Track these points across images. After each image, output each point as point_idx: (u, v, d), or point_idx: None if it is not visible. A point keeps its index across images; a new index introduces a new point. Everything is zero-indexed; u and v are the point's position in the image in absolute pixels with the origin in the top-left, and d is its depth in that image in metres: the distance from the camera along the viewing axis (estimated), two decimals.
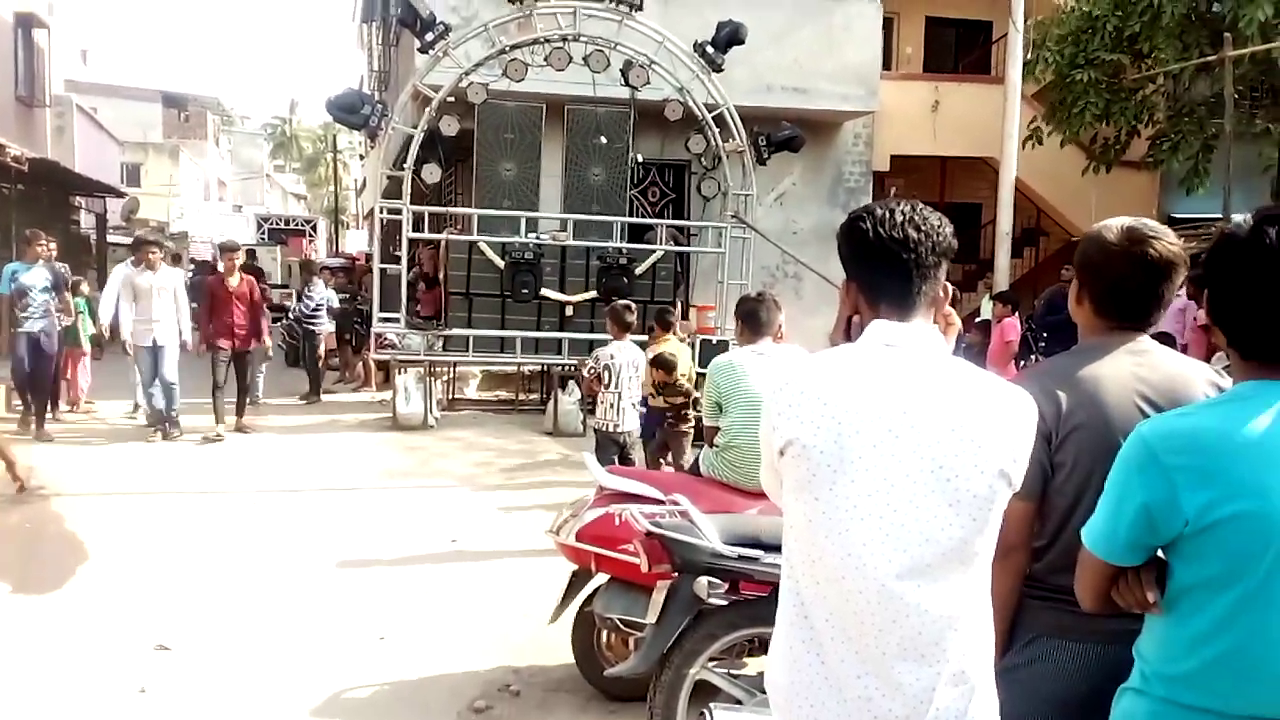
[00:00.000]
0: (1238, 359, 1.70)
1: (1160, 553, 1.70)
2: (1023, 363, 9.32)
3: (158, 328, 9.15)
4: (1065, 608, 1.94)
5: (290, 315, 14.26)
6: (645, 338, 7.77)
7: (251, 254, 17.86)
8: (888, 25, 15.61)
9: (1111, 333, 2.10)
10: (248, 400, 10.15)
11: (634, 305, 7.60)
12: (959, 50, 18.33)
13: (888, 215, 1.73)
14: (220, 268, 10.26)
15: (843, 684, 1.63)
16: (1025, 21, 13.60)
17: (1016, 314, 10.02)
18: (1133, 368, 2.04)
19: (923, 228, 1.71)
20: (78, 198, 22.44)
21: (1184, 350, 7.57)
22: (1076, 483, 1.99)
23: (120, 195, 24.77)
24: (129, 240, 16.15)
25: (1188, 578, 1.65)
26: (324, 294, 13.15)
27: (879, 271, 1.73)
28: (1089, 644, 1.99)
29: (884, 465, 1.60)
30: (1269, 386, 1.63)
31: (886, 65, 15.63)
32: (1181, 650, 1.66)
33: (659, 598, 3.26)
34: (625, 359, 6.92)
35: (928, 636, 1.60)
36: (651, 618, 3.27)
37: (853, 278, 1.79)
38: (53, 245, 9.62)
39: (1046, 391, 1.99)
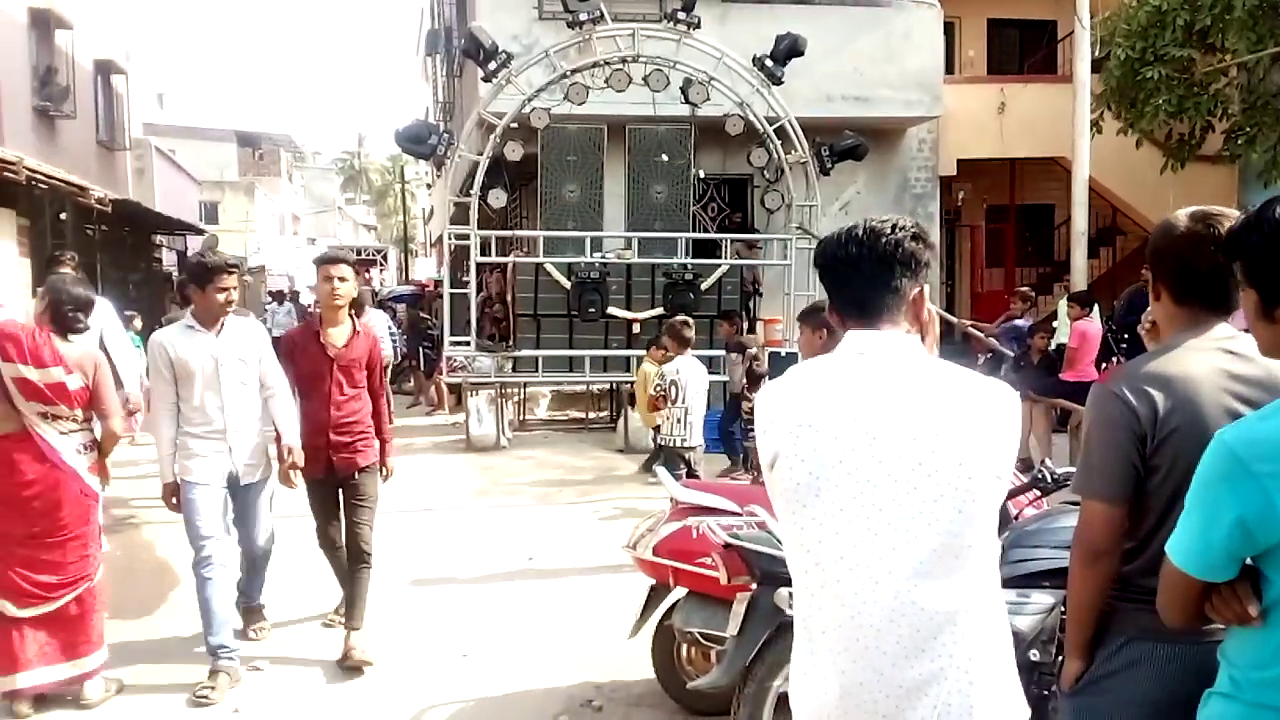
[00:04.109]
0: None
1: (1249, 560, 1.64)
2: (1104, 365, 9.08)
3: (234, 442, 4.51)
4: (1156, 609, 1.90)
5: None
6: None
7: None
8: (949, 29, 15.46)
9: (1195, 322, 2.05)
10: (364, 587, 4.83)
11: (691, 320, 7.60)
12: (1023, 50, 18.02)
13: (838, 235, 1.82)
14: (310, 306, 5.12)
15: (847, 692, 1.66)
16: (1091, 19, 13.32)
17: (1095, 313, 9.76)
18: (1225, 364, 1.99)
19: (866, 242, 1.76)
20: (159, 237, 23.25)
21: None
22: (1173, 486, 1.94)
23: (200, 233, 25.55)
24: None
25: None
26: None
27: (835, 287, 1.83)
28: (1181, 644, 1.96)
29: (865, 467, 1.65)
30: None
31: (950, 69, 15.45)
32: (1276, 654, 1.60)
33: (739, 610, 3.24)
34: (690, 374, 6.93)
35: (926, 632, 1.63)
36: (732, 630, 3.25)
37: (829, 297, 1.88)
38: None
39: (1140, 392, 1.97)
